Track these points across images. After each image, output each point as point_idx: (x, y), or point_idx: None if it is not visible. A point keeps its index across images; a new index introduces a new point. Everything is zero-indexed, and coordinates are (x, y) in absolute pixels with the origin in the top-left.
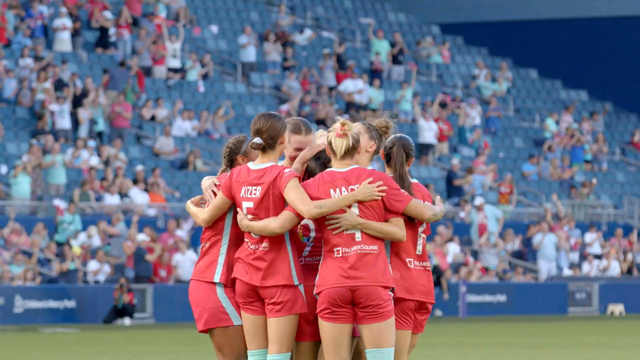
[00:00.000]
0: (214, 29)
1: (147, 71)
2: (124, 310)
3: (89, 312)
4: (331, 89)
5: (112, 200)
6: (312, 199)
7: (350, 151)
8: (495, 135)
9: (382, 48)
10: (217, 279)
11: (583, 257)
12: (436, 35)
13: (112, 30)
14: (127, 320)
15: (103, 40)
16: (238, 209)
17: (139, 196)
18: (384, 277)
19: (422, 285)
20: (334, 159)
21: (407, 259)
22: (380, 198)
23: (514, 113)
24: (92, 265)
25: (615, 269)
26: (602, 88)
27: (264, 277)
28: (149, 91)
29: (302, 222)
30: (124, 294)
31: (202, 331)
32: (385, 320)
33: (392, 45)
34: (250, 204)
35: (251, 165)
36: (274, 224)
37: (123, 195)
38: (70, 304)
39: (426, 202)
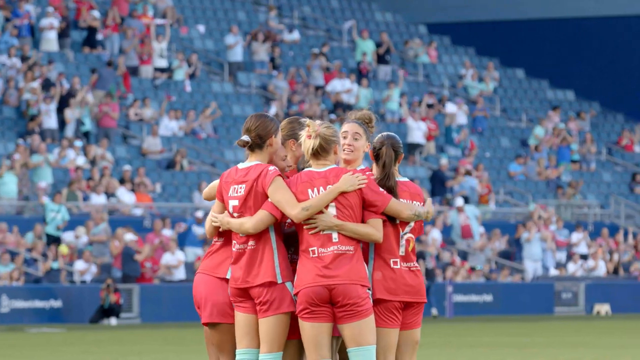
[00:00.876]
0: (201, 28)
1: (134, 71)
2: (111, 310)
3: (76, 312)
4: (318, 88)
5: (98, 200)
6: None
7: (321, 152)
8: (482, 135)
9: (367, 48)
10: (229, 275)
11: (569, 257)
12: (423, 35)
13: (99, 30)
14: (113, 320)
15: (90, 39)
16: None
17: (125, 196)
18: (359, 276)
19: (408, 285)
20: (310, 160)
21: (392, 260)
22: (363, 186)
23: (500, 113)
24: (79, 265)
25: (601, 268)
26: (589, 88)
27: (249, 276)
28: (136, 91)
29: None
30: (111, 294)
31: (205, 324)
32: (364, 319)
33: (379, 45)
34: (236, 202)
35: (240, 165)
36: (248, 224)
37: (110, 195)
38: (56, 303)
39: (408, 201)
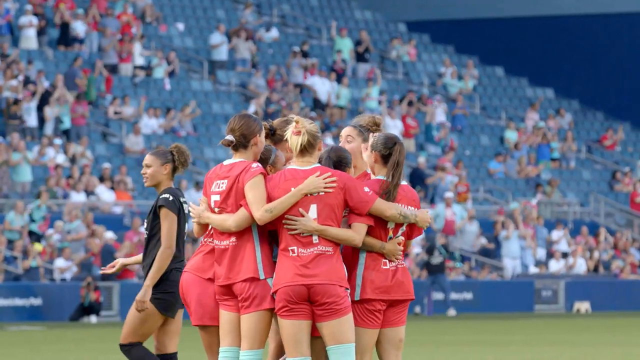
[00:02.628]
0: (181, 26)
1: (113, 69)
2: (91, 308)
3: (56, 310)
4: (297, 86)
5: (78, 197)
6: (273, 195)
7: (308, 148)
8: (462, 133)
9: (345, 46)
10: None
11: (550, 254)
12: (403, 33)
13: (78, 28)
14: (93, 318)
15: (69, 37)
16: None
17: (105, 194)
18: (338, 277)
19: (398, 283)
20: (294, 157)
21: (382, 260)
22: (330, 190)
23: (480, 111)
24: (59, 262)
25: (581, 266)
26: (569, 86)
27: (231, 273)
28: (115, 89)
29: None
30: (91, 291)
31: (196, 325)
32: (343, 316)
33: (358, 43)
34: (217, 197)
35: (225, 162)
36: (230, 221)
37: (89, 193)
38: (36, 301)
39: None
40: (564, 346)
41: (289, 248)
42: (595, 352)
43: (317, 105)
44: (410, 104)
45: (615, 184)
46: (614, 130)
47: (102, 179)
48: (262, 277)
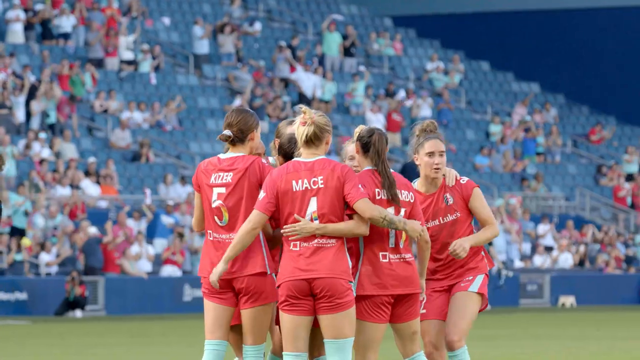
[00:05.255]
0: (166, 21)
1: (99, 63)
2: (76, 303)
3: (41, 304)
4: (283, 80)
5: (63, 192)
6: (279, 188)
7: (314, 140)
8: (447, 128)
9: (333, 41)
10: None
11: (535, 249)
12: (388, 27)
13: (64, 23)
14: (78, 313)
15: (56, 32)
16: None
17: (90, 188)
18: (341, 270)
19: (398, 278)
20: (301, 149)
21: (380, 253)
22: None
23: (465, 105)
24: (45, 257)
25: (567, 260)
26: (554, 80)
27: (235, 266)
28: (101, 83)
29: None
30: (76, 286)
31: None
32: (344, 311)
33: (344, 37)
34: (222, 190)
35: (222, 155)
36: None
37: (74, 187)
38: (21, 296)
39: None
40: (549, 340)
41: (293, 242)
42: (580, 346)
43: (302, 99)
44: (392, 95)
45: (600, 178)
46: (601, 126)
47: (87, 174)
48: (268, 272)
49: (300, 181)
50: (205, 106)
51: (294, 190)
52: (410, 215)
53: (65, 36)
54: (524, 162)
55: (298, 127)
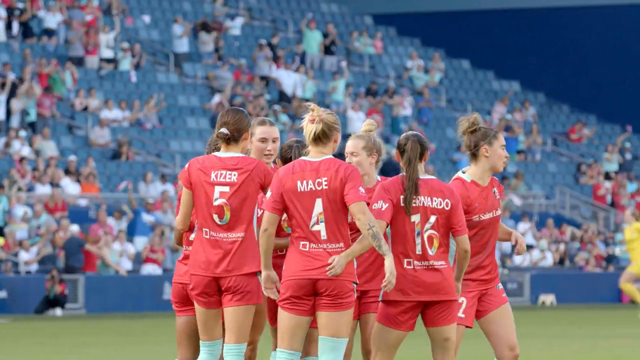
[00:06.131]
0: (146, 19)
1: (80, 61)
2: (56, 301)
3: (21, 303)
4: (263, 78)
5: (43, 190)
6: (285, 187)
7: (322, 138)
8: (427, 126)
9: (313, 39)
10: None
11: (514, 247)
12: (369, 25)
13: (45, 20)
14: (58, 311)
15: (35, 30)
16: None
17: (70, 186)
18: (346, 272)
19: (422, 285)
20: (309, 147)
21: (405, 259)
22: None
23: (446, 104)
24: (25, 255)
25: (547, 259)
26: (535, 79)
27: (230, 265)
28: (81, 81)
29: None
30: (56, 284)
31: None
32: (344, 311)
33: (325, 35)
34: (226, 188)
35: (219, 154)
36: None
37: (54, 185)
38: (1, 294)
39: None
40: (530, 339)
41: (301, 242)
42: (560, 344)
43: (283, 97)
44: (374, 95)
45: (580, 176)
46: (582, 124)
47: (67, 172)
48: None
49: (305, 182)
50: (185, 104)
51: (299, 190)
52: (443, 224)
53: (49, 33)
54: None
55: (306, 125)
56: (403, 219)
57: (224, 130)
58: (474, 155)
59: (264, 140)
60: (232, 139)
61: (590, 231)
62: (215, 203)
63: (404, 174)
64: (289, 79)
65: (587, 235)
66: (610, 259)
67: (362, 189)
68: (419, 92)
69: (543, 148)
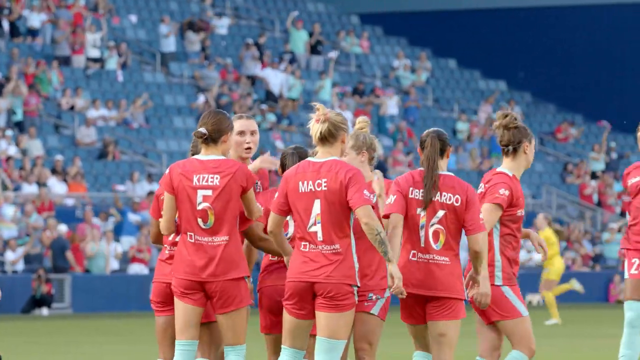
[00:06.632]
0: (133, 18)
1: (66, 61)
2: (42, 301)
3: (7, 302)
4: (249, 77)
5: (29, 189)
6: (288, 188)
7: (328, 138)
8: (414, 126)
9: (300, 38)
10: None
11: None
12: (355, 25)
13: (31, 19)
14: (45, 311)
15: (22, 29)
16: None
17: (56, 186)
18: (342, 274)
19: (421, 278)
20: (317, 147)
21: (412, 251)
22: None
23: (432, 103)
24: (11, 255)
25: (533, 259)
26: (521, 78)
27: (218, 269)
28: (68, 80)
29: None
30: (42, 284)
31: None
32: (342, 312)
33: (311, 35)
34: (209, 192)
35: (199, 157)
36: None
37: (41, 185)
38: None
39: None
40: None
41: (302, 242)
42: (546, 343)
43: (270, 97)
44: (361, 94)
45: (567, 176)
46: (568, 124)
47: (54, 171)
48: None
49: (305, 182)
50: (172, 104)
51: (300, 190)
52: (453, 220)
53: (33, 32)
54: (490, 160)
55: (313, 125)
56: (411, 211)
57: (201, 129)
58: (514, 151)
59: (241, 133)
60: (210, 140)
61: (577, 231)
62: (199, 207)
63: (422, 168)
64: (276, 79)
65: (574, 234)
66: (597, 258)
67: (367, 192)
68: (405, 91)
69: None
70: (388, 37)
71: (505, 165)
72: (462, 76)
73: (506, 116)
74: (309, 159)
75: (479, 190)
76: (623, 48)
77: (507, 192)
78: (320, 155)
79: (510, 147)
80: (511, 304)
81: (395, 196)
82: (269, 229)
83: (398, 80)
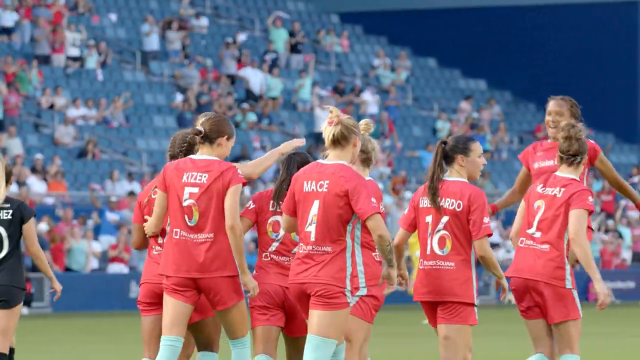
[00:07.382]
0: (113, 17)
1: (46, 59)
2: None
3: None
4: (229, 77)
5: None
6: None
7: (340, 140)
8: (394, 124)
9: (279, 37)
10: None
11: None
12: (335, 24)
13: (11, 18)
14: (24, 310)
15: (1, 27)
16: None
17: (36, 185)
18: (330, 276)
19: (426, 285)
20: (328, 149)
21: (420, 259)
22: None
23: (412, 102)
24: None
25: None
26: (501, 77)
27: (212, 267)
28: (47, 79)
29: (272, 219)
30: None
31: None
32: (331, 311)
33: (291, 34)
34: (195, 189)
35: (194, 156)
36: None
37: (21, 184)
38: None
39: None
40: (497, 337)
41: (300, 242)
42: (527, 342)
43: (250, 96)
44: (341, 93)
45: None
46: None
47: (33, 170)
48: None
49: (309, 182)
50: (152, 103)
51: (304, 190)
52: (458, 225)
53: (7, 31)
54: None
55: (325, 128)
56: (421, 220)
57: (199, 127)
58: (578, 162)
59: None
60: (206, 139)
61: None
62: (185, 204)
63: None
64: (256, 78)
65: None
66: None
67: (373, 200)
68: (385, 90)
69: (509, 146)
70: (368, 36)
71: (566, 171)
72: (442, 75)
73: (573, 127)
74: (318, 160)
75: (552, 193)
76: (603, 47)
77: (592, 199)
78: (331, 158)
79: (578, 158)
80: (577, 306)
81: (407, 210)
82: (282, 230)
83: (378, 79)
